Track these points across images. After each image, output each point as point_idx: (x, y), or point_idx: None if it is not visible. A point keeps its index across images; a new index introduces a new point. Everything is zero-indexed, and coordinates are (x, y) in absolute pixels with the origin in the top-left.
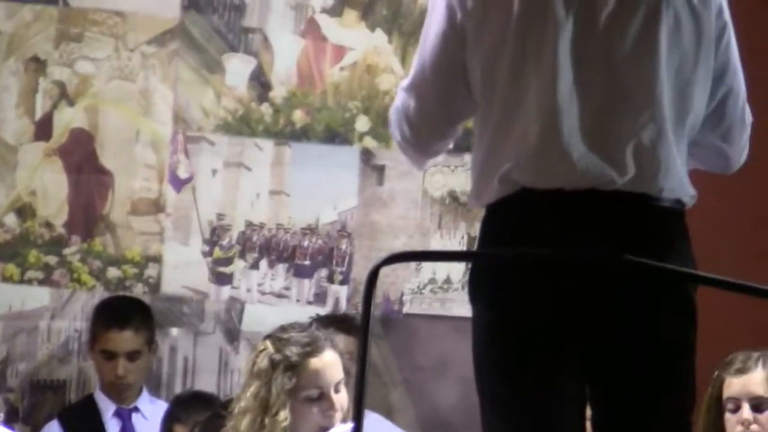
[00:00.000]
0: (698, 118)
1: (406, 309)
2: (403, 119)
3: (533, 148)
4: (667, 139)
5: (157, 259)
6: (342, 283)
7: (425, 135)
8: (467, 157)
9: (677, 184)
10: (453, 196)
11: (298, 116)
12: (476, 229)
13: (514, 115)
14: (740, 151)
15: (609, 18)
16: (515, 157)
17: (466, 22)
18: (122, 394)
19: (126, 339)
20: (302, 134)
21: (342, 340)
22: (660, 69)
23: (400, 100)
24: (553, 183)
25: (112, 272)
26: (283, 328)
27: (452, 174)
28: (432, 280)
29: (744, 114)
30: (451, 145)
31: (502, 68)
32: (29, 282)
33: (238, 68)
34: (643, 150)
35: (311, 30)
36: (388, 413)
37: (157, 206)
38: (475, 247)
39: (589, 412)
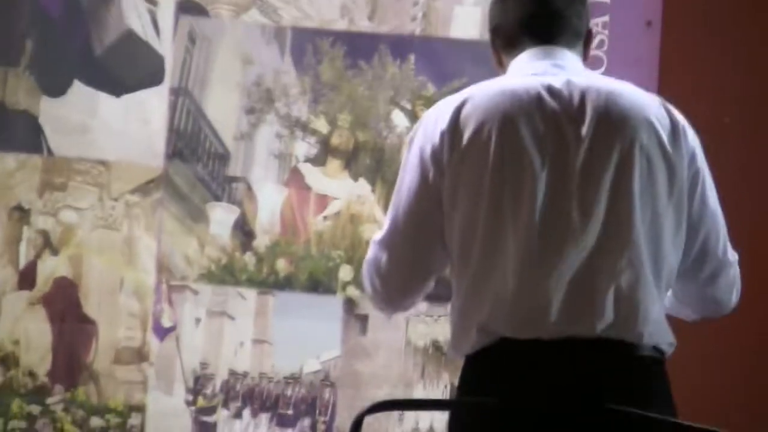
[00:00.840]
0: (674, 264)
1: None
2: (374, 273)
3: (511, 300)
4: (646, 284)
5: (140, 409)
6: None
7: (397, 290)
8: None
9: (656, 329)
10: (436, 346)
11: (282, 265)
12: None
13: (492, 266)
14: (730, 293)
15: (583, 166)
16: (493, 308)
17: (440, 178)
18: None
19: None
20: (286, 283)
21: None
22: (635, 215)
23: (372, 253)
24: (531, 333)
25: (96, 422)
26: None
27: (435, 323)
28: (415, 430)
29: (726, 255)
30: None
31: (478, 221)
32: None
33: (221, 217)
34: (622, 296)
35: (294, 179)
36: None
37: (140, 355)
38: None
39: None
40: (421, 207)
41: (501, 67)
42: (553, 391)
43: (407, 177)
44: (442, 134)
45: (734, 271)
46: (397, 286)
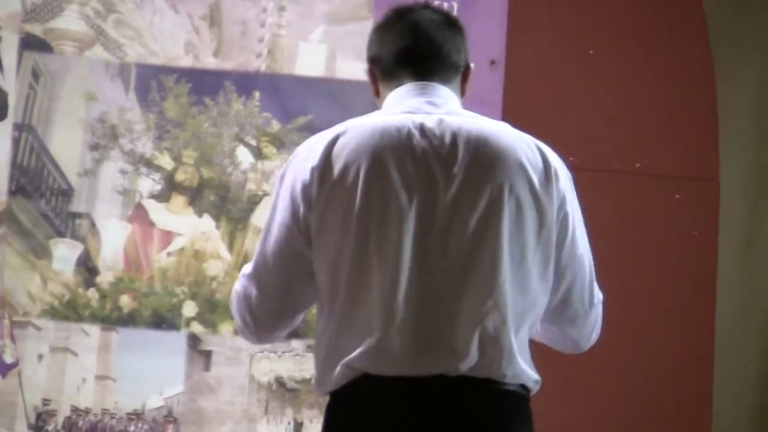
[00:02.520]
0: (541, 306)
1: None
2: (244, 308)
3: (376, 338)
4: (511, 326)
5: None
6: None
7: (267, 324)
8: (294, 343)
9: (520, 370)
10: (280, 382)
11: (125, 301)
12: (303, 415)
13: (358, 304)
14: (588, 335)
15: (451, 208)
16: (359, 346)
17: (309, 214)
18: None
19: None
20: (129, 319)
21: None
22: (502, 257)
23: (241, 285)
24: (394, 371)
25: None
26: None
27: (279, 360)
28: None
29: (591, 300)
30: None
31: (345, 259)
32: None
33: (64, 253)
34: (487, 338)
35: (138, 215)
36: None
37: None
38: None
39: None
40: (290, 243)
41: (378, 97)
42: (416, 426)
43: (277, 212)
44: (312, 170)
45: (596, 314)
46: (268, 321)
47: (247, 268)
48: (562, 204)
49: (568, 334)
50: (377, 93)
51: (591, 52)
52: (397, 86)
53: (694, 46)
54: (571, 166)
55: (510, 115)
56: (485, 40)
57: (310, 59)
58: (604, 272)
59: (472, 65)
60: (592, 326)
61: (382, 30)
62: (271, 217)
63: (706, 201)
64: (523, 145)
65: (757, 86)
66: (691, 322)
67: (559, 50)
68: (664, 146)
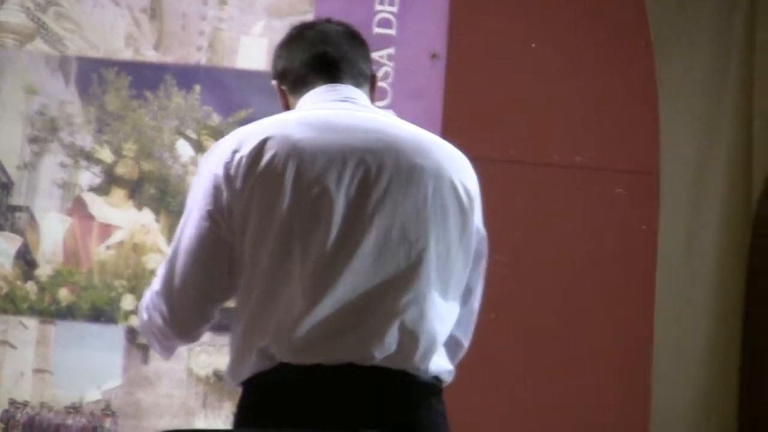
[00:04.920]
0: (457, 305)
1: None
2: (162, 298)
3: (294, 325)
4: (429, 320)
5: None
6: None
7: (185, 313)
8: None
9: (435, 363)
10: (218, 375)
11: (64, 294)
12: None
13: (278, 292)
14: (468, 342)
15: (377, 201)
16: (275, 334)
17: (232, 202)
18: None
19: None
20: (68, 312)
21: None
22: (427, 253)
23: (159, 278)
24: (311, 359)
25: None
26: None
27: (217, 353)
28: None
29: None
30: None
31: (267, 249)
32: None
33: (3, 246)
34: (405, 332)
35: (78, 208)
36: None
37: None
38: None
39: None
40: (211, 228)
41: (286, 110)
42: (329, 418)
43: (199, 199)
44: (240, 159)
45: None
46: (186, 307)
47: (165, 261)
48: (479, 211)
49: (458, 341)
50: (286, 108)
51: (533, 45)
52: (309, 91)
53: (634, 40)
54: (511, 160)
55: (451, 109)
56: (426, 34)
57: (251, 53)
58: (543, 265)
59: (377, 75)
60: (473, 324)
61: (289, 43)
62: (192, 202)
63: (645, 195)
64: (446, 148)
65: (699, 80)
66: (631, 316)
67: (501, 44)
68: (605, 140)
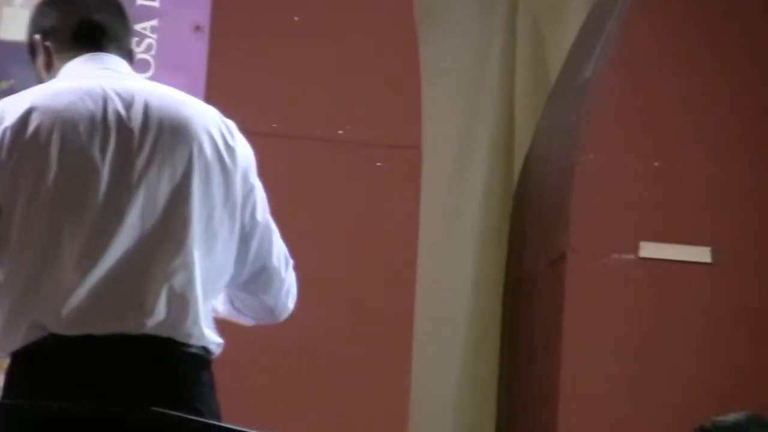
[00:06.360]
0: (227, 269)
1: None
2: None
3: (65, 296)
4: (197, 286)
5: None
6: None
7: None
8: None
9: (204, 332)
10: None
11: None
12: None
13: (49, 264)
14: (285, 302)
15: (142, 169)
16: (45, 304)
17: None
18: None
19: None
20: None
21: None
22: (192, 219)
23: None
24: (82, 329)
25: None
26: None
27: None
28: None
29: (281, 266)
30: None
31: (35, 222)
32: None
33: None
34: (174, 296)
35: None
36: None
37: None
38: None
39: None
40: None
41: (48, 69)
42: (98, 389)
43: None
44: (4, 132)
45: (290, 280)
46: None
47: None
48: (245, 176)
49: (264, 301)
50: (48, 66)
51: (296, 18)
52: (74, 58)
53: (398, 15)
54: (274, 133)
55: (214, 82)
56: (189, 6)
57: (13, 24)
58: (305, 238)
59: (133, 50)
60: (287, 292)
61: (56, 2)
62: None
63: (407, 169)
64: (211, 114)
65: (463, 56)
66: (392, 288)
67: (264, 17)
68: (368, 113)
